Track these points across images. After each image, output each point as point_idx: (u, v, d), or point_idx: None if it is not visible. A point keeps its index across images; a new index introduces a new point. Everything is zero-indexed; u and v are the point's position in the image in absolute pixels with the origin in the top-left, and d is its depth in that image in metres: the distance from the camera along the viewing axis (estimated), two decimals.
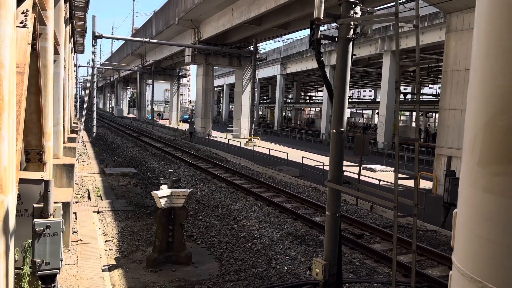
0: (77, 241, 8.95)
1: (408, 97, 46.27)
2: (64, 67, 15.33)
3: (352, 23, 5.79)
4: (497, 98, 2.00)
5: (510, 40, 1.94)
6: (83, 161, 20.77)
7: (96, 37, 31.18)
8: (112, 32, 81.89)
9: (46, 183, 4.74)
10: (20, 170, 6.32)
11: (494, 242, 1.97)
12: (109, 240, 9.47)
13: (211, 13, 31.46)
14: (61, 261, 4.75)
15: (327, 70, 35.22)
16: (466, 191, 2.20)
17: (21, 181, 5.76)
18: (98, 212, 11.60)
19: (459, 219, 2.29)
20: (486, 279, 2.00)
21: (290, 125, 62.27)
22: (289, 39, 55.01)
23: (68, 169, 11.55)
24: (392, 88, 29.65)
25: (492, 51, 2.04)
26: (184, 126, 48.75)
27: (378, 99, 54.59)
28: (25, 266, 5.36)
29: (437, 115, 40.45)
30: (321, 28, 5.89)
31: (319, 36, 5.81)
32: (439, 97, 21.57)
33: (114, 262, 8.25)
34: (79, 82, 73.60)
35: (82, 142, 27.06)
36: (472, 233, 2.10)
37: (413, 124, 50.22)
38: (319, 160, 19.54)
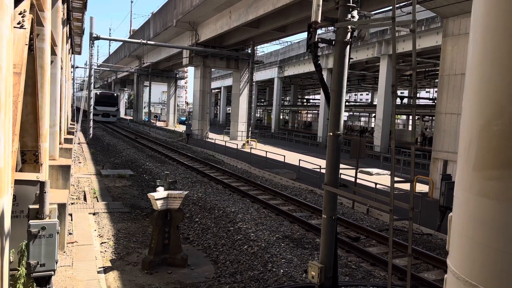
0: (72, 242, 8.91)
1: (405, 100, 46.43)
2: (61, 68, 15.30)
3: (349, 27, 5.81)
4: (492, 103, 2.01)
5: (506, 45, 1.95)
6: (79, 163, 20.70)
7: (93, 38, 31.12)
8: (110, 34, 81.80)
9: (42, 184, 4.72)
10: (16, 171, 6.30)
11: (489, 246, 1.98)
12: (105, 242, 9.44)
13: (209, 15, 31.48)
14: (56, 262, 4.73)
15: (324, 74, 35.32)
16: (461, 195, 2.21)
17: (17, 182, 5.74)
18: (94, 214, 11.56)
19: (454, 223, 2.30)
20: (481, 282, 2.01)
21: (287, 128, 62.33)
22: (287, 42, 55.03)
23: (64, 171, 11.52)
24: (389, 92, 29.75)
25: (488, 56, 2.06)
26: (181, 128, 48.68)
27: (375, 103, 54.72)
28: (20, 268, 5.33)
29: (430, 118, 40.65)
30: (319, 31, 5.91)
31: (316, 40, 5.83)
32: (435, 101, 21.66)
33: (109, 264, 8.22)
34: (76, 83, 73.33)
35: (79, 143, 26.98)
36: (467, 237, 2.11)
37: (410, 128, 50.38)
38: (316, 163, 19.57)
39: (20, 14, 5.34)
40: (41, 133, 7.55)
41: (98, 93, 54.29)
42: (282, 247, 9.13)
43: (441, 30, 18.26)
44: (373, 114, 47.28)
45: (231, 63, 37.03)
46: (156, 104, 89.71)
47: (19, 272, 5.37)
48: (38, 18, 7.95)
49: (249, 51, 34.35)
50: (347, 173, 16.19)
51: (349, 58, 6.03)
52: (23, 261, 5.11)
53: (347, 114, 60.11)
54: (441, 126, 16.28)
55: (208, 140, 34.94)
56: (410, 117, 47.70)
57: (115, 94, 59.10)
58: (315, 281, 5.96)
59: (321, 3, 5.77)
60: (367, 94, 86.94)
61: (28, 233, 4.56)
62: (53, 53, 11.66)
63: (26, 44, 5.32)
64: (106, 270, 7.90)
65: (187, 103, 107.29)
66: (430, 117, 42.79)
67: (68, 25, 19.06)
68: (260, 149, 28.42)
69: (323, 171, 6.93)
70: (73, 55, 35.91)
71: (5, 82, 3.67)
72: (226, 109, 77.41)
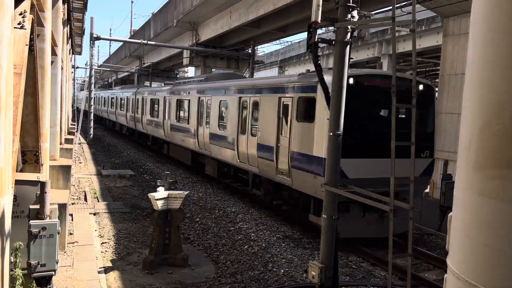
0: (73, 242, 8.91)
1: None
2: (62, 68, 15.31)
3: (349, 26, 5.81)
4: (492, 103, 2.01)
5: (506, 45, 1.95)
6: (80, 163, 20.71)
7: (94, 39, 31.13)
8: (110, 34, 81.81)
9: (43, 184, 4.73)
10: (17, 171, 6.30)
11: (489, 246, 1.98)
12: (106, 242, 9.44)
13: (210, 15, 31.48)
14: (57, 263, 4.74)
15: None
16: (462, 194, 2.21)
17: (18, 182, 5.74)
18: (94, 214, 11.56)
19: (454, 222, 2.30)
20: (480, 282, 2.01)
21: None
22: (287, 42, 54.89)
23: (65, 171, 11.51)
24: None
25: (488, 56, 2.06)
26: None
27: None
28: (16, 269, 5.33)
29: None
30: (319, 31, 5.91)
31: (316, 40, 5.83)
32: (436, 101, 21.62)
33: (110, 264, 8.22)
34: (77, 83, 73.29)
35: (79, 143, 26.99)
36: (467, 237, 2.11)
37: None
38: None
39: (20, 14, 5.34)
40: (41, 133, 7.56)
41: (362, 76, 9.74)
42: (282, 247, 9.13)
43: (442, 30, 18.24)
44: None
45: (231, 63, 37.00)
46: None
47: (15, 273, 5.36)
48: (39, 19, 7.95)
49: (250, 51, 34.34)
50: None
51: (349, 58, 6.03)
52: (18, 262, 5.10)
53: None
54: (441, 125, 16.25)
55: None
56: None
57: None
58: (315, 281, 5.96)
59: (321, 3, 5.77)
60: None
61: (29, 233, 4.56)
62: (54, 53, 11.67)
63: (26, 45, 5.33)
64: (106, 270, 7.90)
65: None
66: None
67: (68, 25, 19.07)
68: None
69: None
70: (73, 55, 35.94)
71: (5, 82, 3.67)
72: None
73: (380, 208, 5.23)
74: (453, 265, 2.23)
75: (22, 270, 5.24)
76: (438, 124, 16.46)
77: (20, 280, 5.31)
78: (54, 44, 11.32)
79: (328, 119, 6.21)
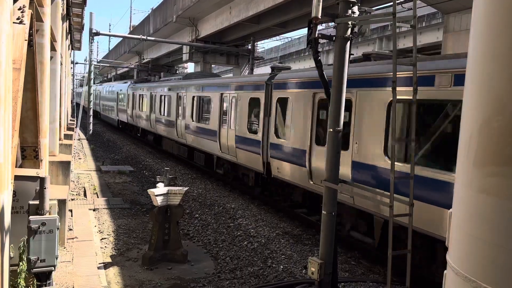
0: (72, 238, 8.92)
1: None
2: (61, 64, 15.27)
3: (349, 22, 5.79)
4: (492, 99, 2.01)
5: (506, 41, 1.94)
6: (80, 159, 20.71)
7: (93, 34, 31.04)
8: (110, 29, 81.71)
9: (42, 180, 4.73)
10: (16, 167, 6.30)
11: (488, 242, 1.98)
12: (105, 238, 9.46)
13: (209, 11, 31.40)
14: (57, 258, 4.74)
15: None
16: (461, 191, 2.21)
17: (17, 178, 5.74)
18: (94, 210, 11.57)
19: (453, 219, 2.30)
20: (480, 278, 2.01)
21: None
22: (287, 38, 54.74)
23: (64, 167, 11.51)
24: None
25: (488, 52, 2.05)
26: None
27: None
28: (22, 263, 5.34)
29: None
30: (319, 27, 5.90)
31: (316, 35, 5.82)
32: None
33: (109, 260, 8.24)
34: (76, 79, 73.08)
35: (79, 139, 26.98)
36: (467, 233, 2.12)
37: None
38: None
39: (19, 9, 5.32)
40: (41, 129, 7.54)
41: None
42: (282, 243, 9.15)
43: (442, 26, 18.20)
44: None
45: (231, 59, 36.92)
46: None
47: (20, 268, 5.38)
48: (38, 14, 7.91)
49: (250, 47, 34.27)
50: None
51: (350, 54, 6.02)
52: (24, 257, 5.12)
53: None
54: None
55: None
56: None
57: None
58: (314, 277, 5.97)
59: None
60: None
61: (28, 229, 4.57)
62: (53, 48, 11.64)
63: (25, 40, 5.31)
64: (106, 265, 7.92)
65: None
66: None
67: (67, 21, 19.00)
68: None
69: None
70: (72, 51, 35.85)
71: (4, 78, 3.67)
72: None
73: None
74: (452, 261, 2.24)
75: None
76: None
77: (23, 275, 5.32)
78: (53, 40, 11.29)
79: None
